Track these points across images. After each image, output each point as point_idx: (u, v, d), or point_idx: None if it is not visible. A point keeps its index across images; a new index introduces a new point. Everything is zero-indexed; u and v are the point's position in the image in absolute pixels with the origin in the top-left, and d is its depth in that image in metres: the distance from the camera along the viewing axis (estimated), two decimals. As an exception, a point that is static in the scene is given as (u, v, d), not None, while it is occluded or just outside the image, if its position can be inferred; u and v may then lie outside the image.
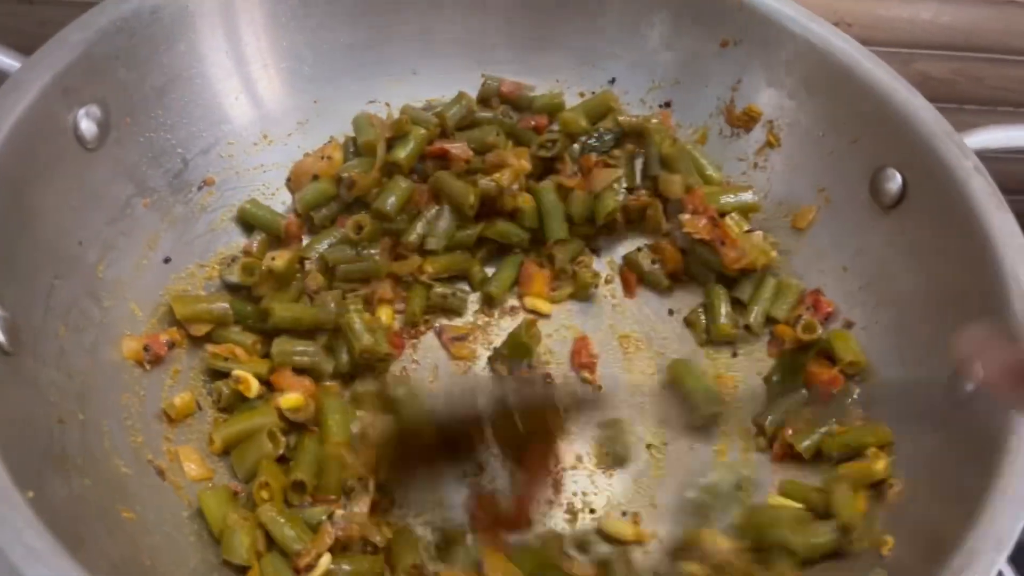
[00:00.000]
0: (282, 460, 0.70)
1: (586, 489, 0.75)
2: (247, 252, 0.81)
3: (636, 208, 0.87)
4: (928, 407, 0.70)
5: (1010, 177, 0.85)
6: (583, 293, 0.86)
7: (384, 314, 0.80)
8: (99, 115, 0.70)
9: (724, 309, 0.83)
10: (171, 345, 0.73)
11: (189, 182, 0.80)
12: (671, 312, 0.86)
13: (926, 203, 0.75)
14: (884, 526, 0.66)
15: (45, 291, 0.65)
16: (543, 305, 0.85)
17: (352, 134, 0.87)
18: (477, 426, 0.70)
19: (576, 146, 0.88)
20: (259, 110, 0.84)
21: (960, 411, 0.66)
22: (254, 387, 0.72)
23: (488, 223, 0.85)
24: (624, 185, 0.87)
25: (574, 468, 0.76)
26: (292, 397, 0.70)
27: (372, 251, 0.80)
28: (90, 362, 0.67)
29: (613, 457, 0.77)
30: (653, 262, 0.86)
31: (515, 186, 0.83)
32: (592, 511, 0.74)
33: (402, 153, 0.82)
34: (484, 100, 0.91)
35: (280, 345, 0.74)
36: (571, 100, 0.92)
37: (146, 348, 0.71)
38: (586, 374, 0.81)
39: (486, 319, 0.85)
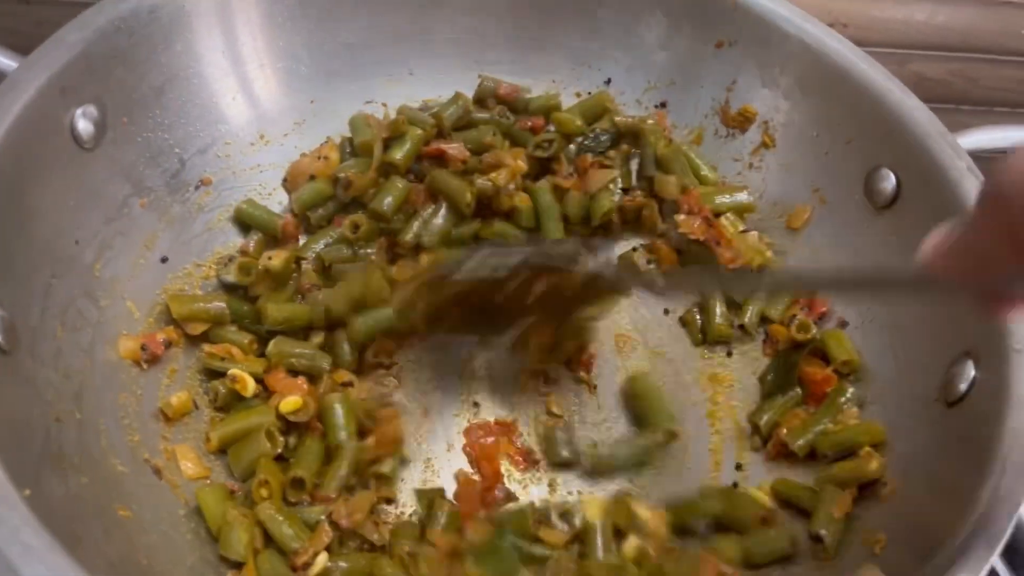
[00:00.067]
0: (278, 459, 0.71)
1: (580, 487, 0.76)
2: (244, 252, 0.81)
3: (632, 208, 0.87)
4: (921, 406, 0.70)
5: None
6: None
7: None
8: (96, 115, 0.70)
9: (719, 309, 0.84)
10: (168, 344, 0.74)
11: (186, 182, 0.80)
12: (666, 312, 0.86)
13: (920, 203, 0.76)
14: (877, 524, 0.66)
15: (42, 290, 0.65)
16: None
17: (349, 134, 0.87)
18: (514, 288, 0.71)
19: (572, 147, 0.89)
20: (256, 110, 0.85)
21: (953, 410, 0.67)
22: (250, 386, 0.72)
23: (485, 222, 0.85)
24: (620, 186, 0.87)
25: (567, 467, 0.77)
26: (291, 400, 0.71)
27: (369, 251, 0.81)
28: (87, 361, 0.67)
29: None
30: (648, 262, 0.87)
31: (511, 186, 0.83)
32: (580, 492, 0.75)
33: (399, 153, 0.83)
34: (481, 101, 0.91)
35: (277, 345, 0.74)
36: (567, 101, 0.92)
37: (143, 347, 0.72)
38: (582, 373, 0.82)
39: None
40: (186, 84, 0.79)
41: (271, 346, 0.74)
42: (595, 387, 0.81)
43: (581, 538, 0.69)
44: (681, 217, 0.84)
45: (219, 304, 0.76)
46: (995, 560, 0.56)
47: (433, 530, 0.68)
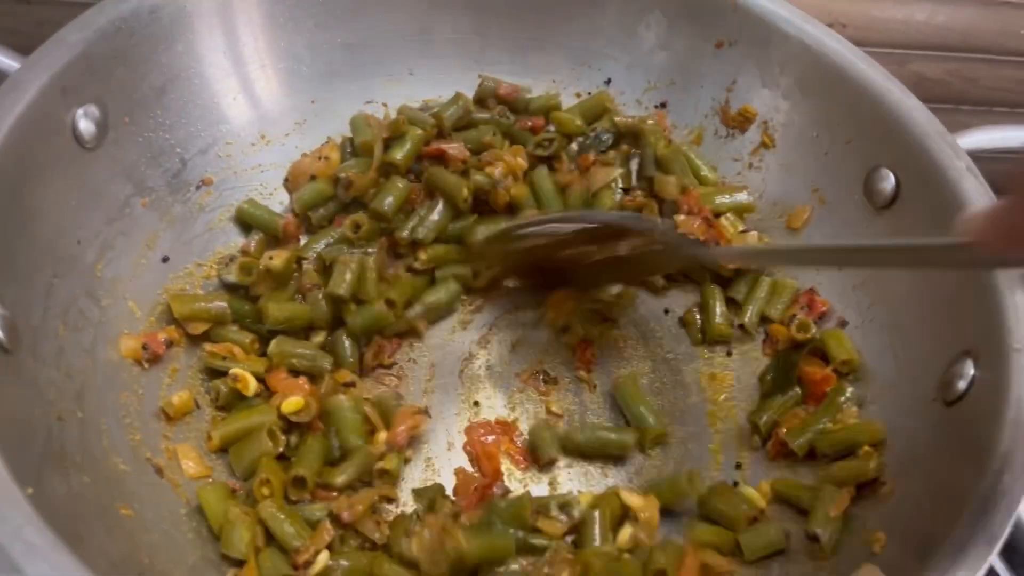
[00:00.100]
0: (279, 458, 0.71)
1: (580, 487, 0.76)
2: (245, 252, 0.81)
3: (632, 208, 0.87)
4: (920, 405, 0.70)
5: (1003, 177, 0.85)
6: None
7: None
8: (98, 115, 0.71)
9: (719, 309, 0.84)
10: (169, 344, 0.74)
11: (187, 182, 0.80)
12: (666, 311, 0.87)
13: (919, 203, 0.76)
14: (877, 523, 0.67)
15: (44, 290, 0.65)
16: None
17: (349, 134, 0.87)
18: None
19: (574, 146, 0.89)
20: (257, 110, 0.85)
21: (952, 409, 0.67)
22: (252, 385, 0.72)
23: (482, 218, 0.85)
24: (620, 185, 0.88)
25: (569, 467, 0.77)
26: (293, 401, 0.71)
27: (370, 250, 0.81)
28: (89, 361, 0.68)
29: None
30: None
31: (508, 180, 0.83)
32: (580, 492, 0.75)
33: (399, 154, 0.83)
34: (481, 101, 0.91)
35: (278, 345, 0.75)
36: (567, 101, 0.92)
37: (144, 347, 0.72)
38: (581, 372, 0.82)
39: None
40: (187, 84, 0.79)
41: (272, 346, 0.75)
42: (595, 386, 0.82)
43: (578, 529, 0.70)
44: (681, 217, 0.84)
45: (220, 304, 0.76)
46: (994, 559, 0.56)
47: (428, 515, 0.68)
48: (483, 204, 0.85)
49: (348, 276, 0.76)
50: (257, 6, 0.82)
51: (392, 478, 0.72)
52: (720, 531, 0.71)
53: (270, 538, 0.66)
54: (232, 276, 0.78)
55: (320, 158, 0.85)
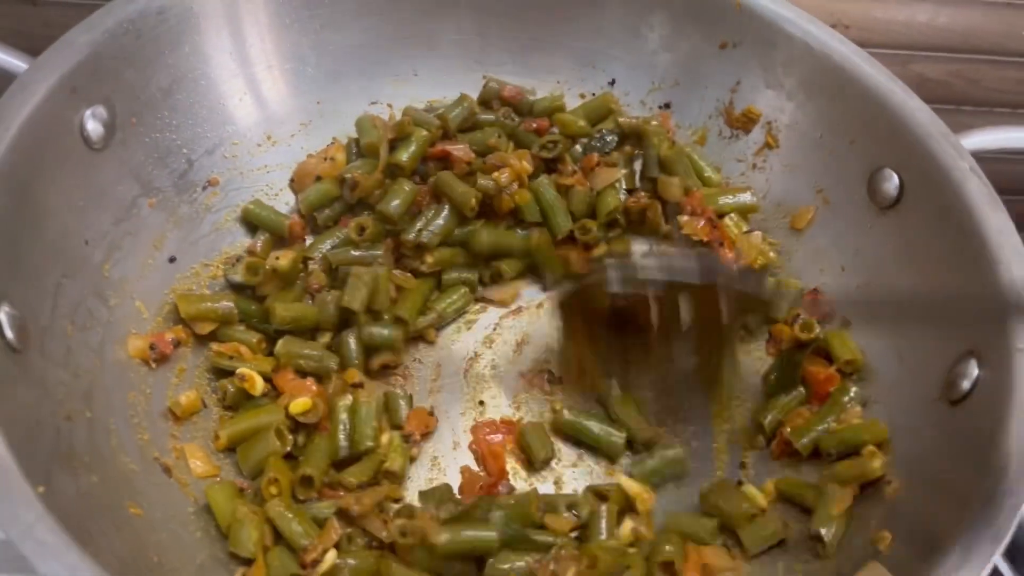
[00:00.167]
0: (287, 457, 0.71)
1: (585, 484, 0.76)
2: (251, 252, 0.81)
3: (636, 210, 0.88)
4: (924, 405, 0.70)
5: (1006, 178, 0.85)
6: None
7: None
8: (105, 116, 0.71)
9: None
10: (176, 344, 0.74)
11: (194, 182, 0.80)
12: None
13: (923, 204, 0.76)
14: (881, 522, 0.67)
15: (52, 290, 0.65)
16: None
17: (355, 135, 0.88)
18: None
19: (578, 147, 0.89)
20: (263, 111, 0.85)
21: (956, 409, 0.67)
22: (259, 385, 0.73)
23: (488, 223, 0.85)
24: (624, 187, 0.88)
25: (573, 467, 0.77)
26: (301, 402, 0.71)
27: (375, 252, 0.81)
28: (97, 360, 0.68)
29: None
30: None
31: (514, 185, 0.84)
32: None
33: (404, 155, 0.83)
34: (485, 102, 0.92)
35: (285, 345, 0.75)
36: (572, 101, 0.93)
37: (152, 347, 0.72)
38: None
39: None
40: (194, 85, 0.79)
41: (279, 346, 0.75)
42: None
43: (584, 525, 0.70)
44: (684, 218, 0.84)
45: (227, 303, 0.76)
46: (998, 559, 0.57)
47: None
48: (486, 206, 0.85)
49: (363, 291, 0.76)
50: (263, 7, 0.83)
51: (398, 478, 0.72)
52: (700, 519, 0.71)
53: (278, 537, 0.66)
54: (239, 276, 0.78)
55: (326, 159, 0.86)
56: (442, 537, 0.64)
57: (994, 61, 1.11)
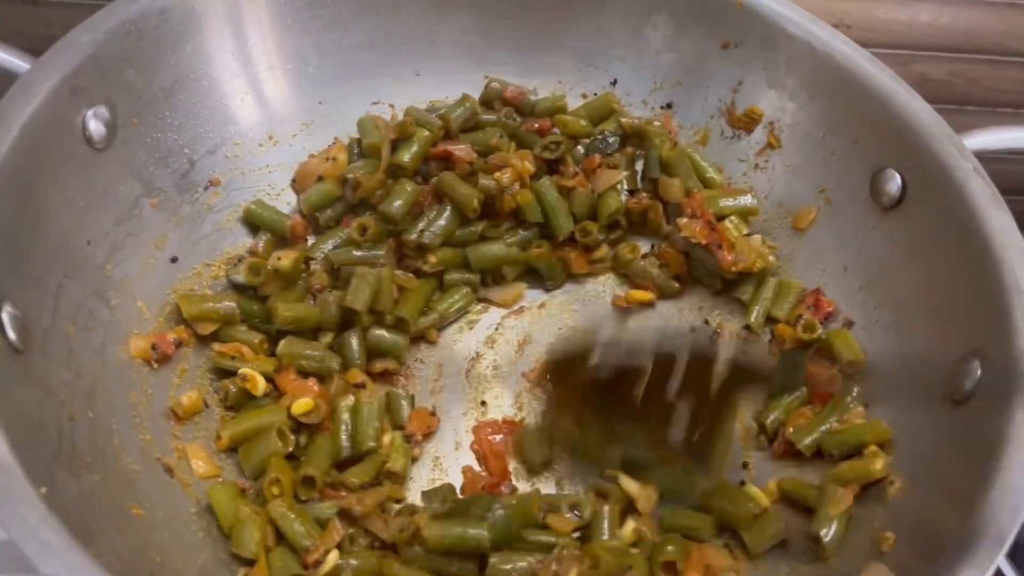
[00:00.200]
0: (288, 457, 0.71)
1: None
2: (253, 252, 0.81)
3: (637, 211, 0.88)
4: (927, 405, 0.70)
5: (1009, 178, 0.85)
6: (625, 268, 0.87)
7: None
8: (107, 116, 0.71)
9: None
10: (178, 344, 0.74)
11: (196, 182, 0.80)
12: (678, 312, 0.87)
13: (926, 204, 0.76)
14: (884, 523, 0.67)
15: (54, 290, 0.65)
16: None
17: (357, 135, 0.88)
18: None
19: (580, 148, 0.89)
20: (265, 111, 0.85)
21: (959, 409, 0.67)
22: (261, 385, 0.73)
23: (490, 223, 0.85)
24: (626, 188, 0.88)
25: (575, 466, 0.77)
26: (303, 402, 0.71)
27: (377, 252, 0.81)
28: (99, 361, 0.68)
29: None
30: (661, 267, 0.87)
31: (515, 185, 0.84)
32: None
33: (406, 155, 0.83)
34: (487, 102, 0.92)
35: (287, 346, 0.75)
36: (573, 102, 0.93)
37: (154, 347, 0.72)
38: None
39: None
40: (196, 85, 0.79)
41: (281, 346, 0.75)
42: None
43: (586, 525, 0.70)
44: (683, 221, 0.84)
45: (229, 304, 0.76)
46: (1001, 560, 0.56)
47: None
48: (488, 207, 0.85)
49: (366, 291, 0.76)
50: (265, 7, 0.82)
51: (400, 478, 0.72)
52: (695, 514, 0.71)
53: (280, 537, 0.66)
54: (240, 276, 0.78)
55: (327, 159, 0.86)
56: (432, 531, 0.64)
57: (996, 61, 1.11)
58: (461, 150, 0.84)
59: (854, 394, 0.76)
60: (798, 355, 0.80)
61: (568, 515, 0.69)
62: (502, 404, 0.80)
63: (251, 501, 0.68)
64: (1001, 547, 0.56)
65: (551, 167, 0.88)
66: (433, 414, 0.77)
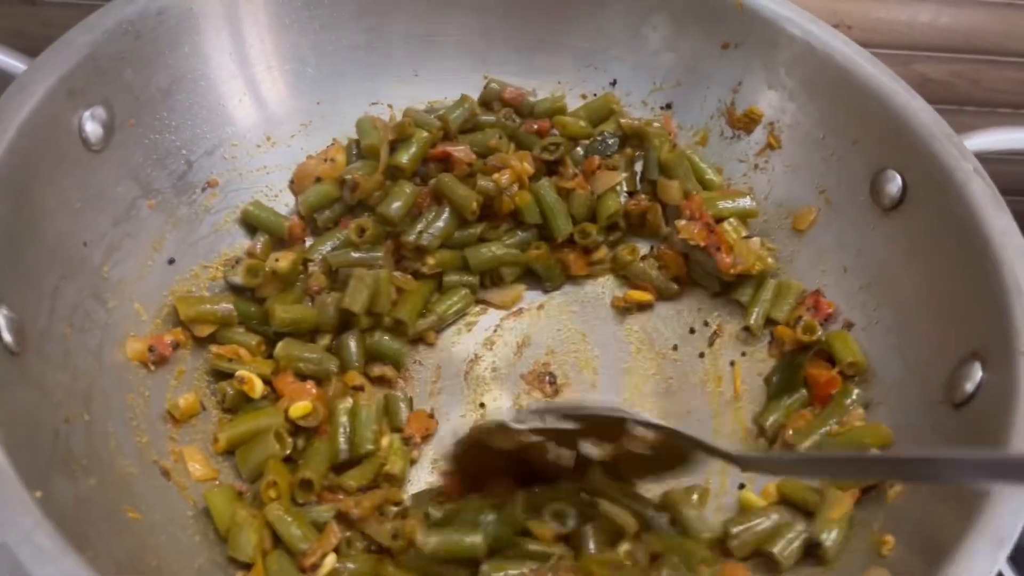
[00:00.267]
0: (286, 460, 0.71)
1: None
2: (251, 254, 0.81)
3: (636, 212, 0.88)
4: (928, 408, 0.70)
5: (1009, 178, 0.85)
6: (624, 270, 0.87)
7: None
8: (104, 117, 0.71)
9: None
10: (175, 346, 0.74)
11: (193, 184, 0.80)
12: (675, 313, 0.86)
13: (926, 204, 0.76)
14: (884, 526, 0.67)
15: (51, 292, 0.65)
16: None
17: (355, 136, 0.87)
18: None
19: (579, 149, 0.89)
20: (263, 112, 0.85)
21: (959, 412, 0.67)
22: (258, 387, 0.72)
23: (489, 224, 0.85)
24: (625, 189, 0.88)
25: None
26: (301, 405, 0.71)
27: (375, 254, 0.81)
28: (95, 363, 0.68)
29: None
30: (660, 268, 0.86)
31: (514, 187, 0.83)
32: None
33: (405, 156, 0.83)
34: (486, 103, 0.91)
35: (285, 348, 0.75)
36: (573, 102, 0.92)
37: (151, 349, 0.72)
38: (587, 374, 0.82)
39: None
40: (193, 86, 0.79)
41: (279, 348, 0.74)
42: (600, 388, 0.82)
43: (571, 537, 0.68)
44: (682, 223, 0.84)
45: (226, 306, 0.76)
46: (1002, 564, 0.56)
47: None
48: (487, 208, 0.84)
49: (364, 293, 0.76)
50: (263, 8, 0.82)
51: (398, 481, 0.72)
52: (691, 542, 0.69)
53: (277, 540, 0.66)
54: (238, 278, 0.78)
55: (326, 160, 0.85)
56: (430, 542, 0.64)
57: (996, 61, 1.11)
58: (460, 151, 0.84)
59: (854, 396, 0.76)
60: (798, 357, 0.80)
61: (550, 523, 0.68)
62: (501, 406, 0.80)
63: (248, 504, 0.68)
64: (1003, 551, 0.56)
65: (550, 168, 0.88)
66: (432, 416, 0.77)
